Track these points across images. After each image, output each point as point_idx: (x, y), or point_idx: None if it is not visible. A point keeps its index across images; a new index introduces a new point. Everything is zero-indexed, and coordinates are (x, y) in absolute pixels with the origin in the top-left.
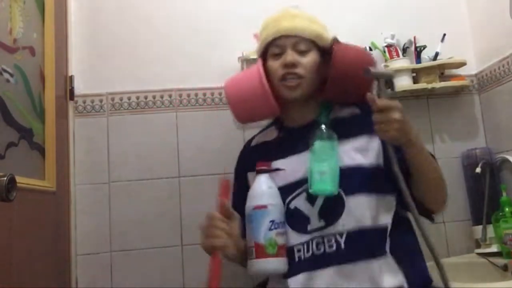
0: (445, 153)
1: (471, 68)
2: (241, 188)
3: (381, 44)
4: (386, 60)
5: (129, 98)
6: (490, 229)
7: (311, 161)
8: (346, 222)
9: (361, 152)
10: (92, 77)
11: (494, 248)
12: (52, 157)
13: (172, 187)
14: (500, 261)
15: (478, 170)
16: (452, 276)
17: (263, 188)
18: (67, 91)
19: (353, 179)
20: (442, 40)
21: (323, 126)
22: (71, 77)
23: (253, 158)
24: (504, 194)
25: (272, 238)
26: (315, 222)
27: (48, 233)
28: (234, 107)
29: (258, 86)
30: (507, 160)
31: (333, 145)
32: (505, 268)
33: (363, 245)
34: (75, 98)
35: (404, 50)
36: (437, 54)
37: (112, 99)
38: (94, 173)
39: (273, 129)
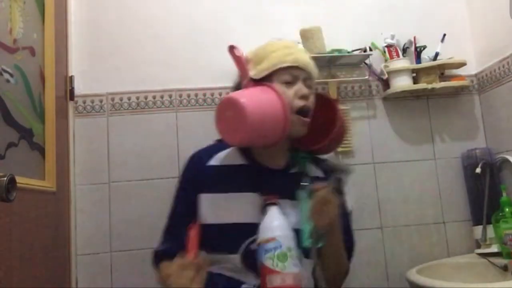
0: (445, 153)
1: (471, 68)
2: (189, 205)
3: (381, 44)
4: (386, 61)
5: (129, 98)
6: (490, 229)
7: (305, 216)
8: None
9: None
10: (92, 77)
11: (494, 248)
12: (52, 157)
13: (172, 187)
14: (500, 261)
15: (478, 170)
16: (452, 276)
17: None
18: (67, 91)
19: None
20: (442, 40)
21: (309, 180)
22: (71, 77)
23: (213, 180)
24: (504, 194)
25: None
26: None
27: (48, 233)
28: (250, 131)
29: (282, 117)
30: (507, 160)
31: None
32: (505, 268)
33: None
34: (75, 98)
35: (404, 50)
36: (437, 54)
37: (112, 99)
38: (94, 173)
39: (237, 154)
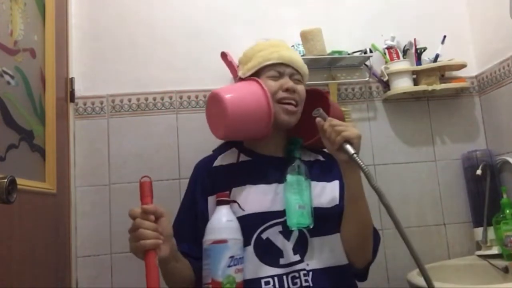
0: (446, 155)
1: (472, 70)
2: (195, 211)
3: (381, 46)
4: (386, 62)
5: (129, 100)
6: (491, 231)
7: (289, 194)
8: (310, 261)
9: (325, 195)
10: (92, 79)
11: (495, 250)
12: (53, 159)
13: (173, 189)
14: (501, 263)
15: (478, 172)
16: (453, 278)
17: (223, 221)
18: (68, 93)
19: (319, 221)
20: (443, 42)
21: (299, 161)
22: (72, 79)
23: (218, 180)
24: (504, 196)
25: (231, 276)
26: (289, 256)
27: (48, 235)
28: (232, 122)
29: (265, 106)
30: (507, 162)
31: (306, 181)
32: (506, 270)
33: (330, 282)
34: (76, 100)
35: (405, 52)
36: (437, 56)
37: (113, 101)
38: (95, 175)
39: (235, 152)
